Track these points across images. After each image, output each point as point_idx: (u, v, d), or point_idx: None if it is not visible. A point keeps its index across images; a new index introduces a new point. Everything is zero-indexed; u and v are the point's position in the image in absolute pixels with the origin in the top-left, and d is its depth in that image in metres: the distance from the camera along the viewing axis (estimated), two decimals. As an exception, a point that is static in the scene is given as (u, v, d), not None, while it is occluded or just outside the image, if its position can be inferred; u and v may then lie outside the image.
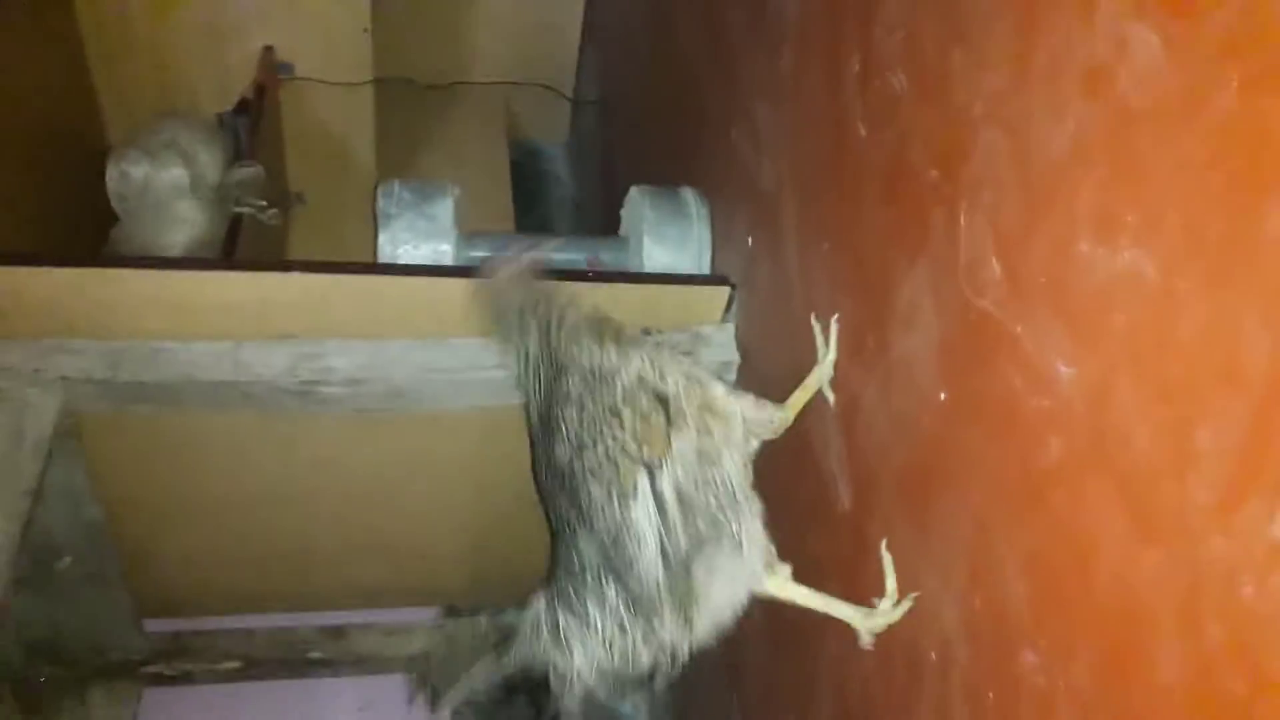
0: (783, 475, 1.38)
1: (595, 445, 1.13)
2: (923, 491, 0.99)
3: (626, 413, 1.13)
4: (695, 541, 1.12)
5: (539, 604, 1.21)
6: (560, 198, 3.29)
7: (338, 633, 2.09)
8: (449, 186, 1.72)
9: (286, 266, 1.44)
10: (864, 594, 1.11)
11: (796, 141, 1.32)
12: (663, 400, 1.15)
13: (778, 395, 1.34)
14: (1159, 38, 0.66)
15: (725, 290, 1.57)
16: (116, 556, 1.76)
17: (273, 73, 2.28)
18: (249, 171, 1.96)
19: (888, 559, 1.05)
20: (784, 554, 1.36)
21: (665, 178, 1.85)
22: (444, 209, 1.70)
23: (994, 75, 0.86)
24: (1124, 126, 0.70)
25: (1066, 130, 0.76)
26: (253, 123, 2.10)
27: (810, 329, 1.24)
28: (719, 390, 1.20)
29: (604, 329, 1.22)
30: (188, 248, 1.94)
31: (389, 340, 1.48)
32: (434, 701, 1.22)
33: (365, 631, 2.09)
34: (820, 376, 1.22)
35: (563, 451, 1.16)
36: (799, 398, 1.24)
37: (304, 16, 2.30)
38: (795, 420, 1.31)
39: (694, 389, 1.18)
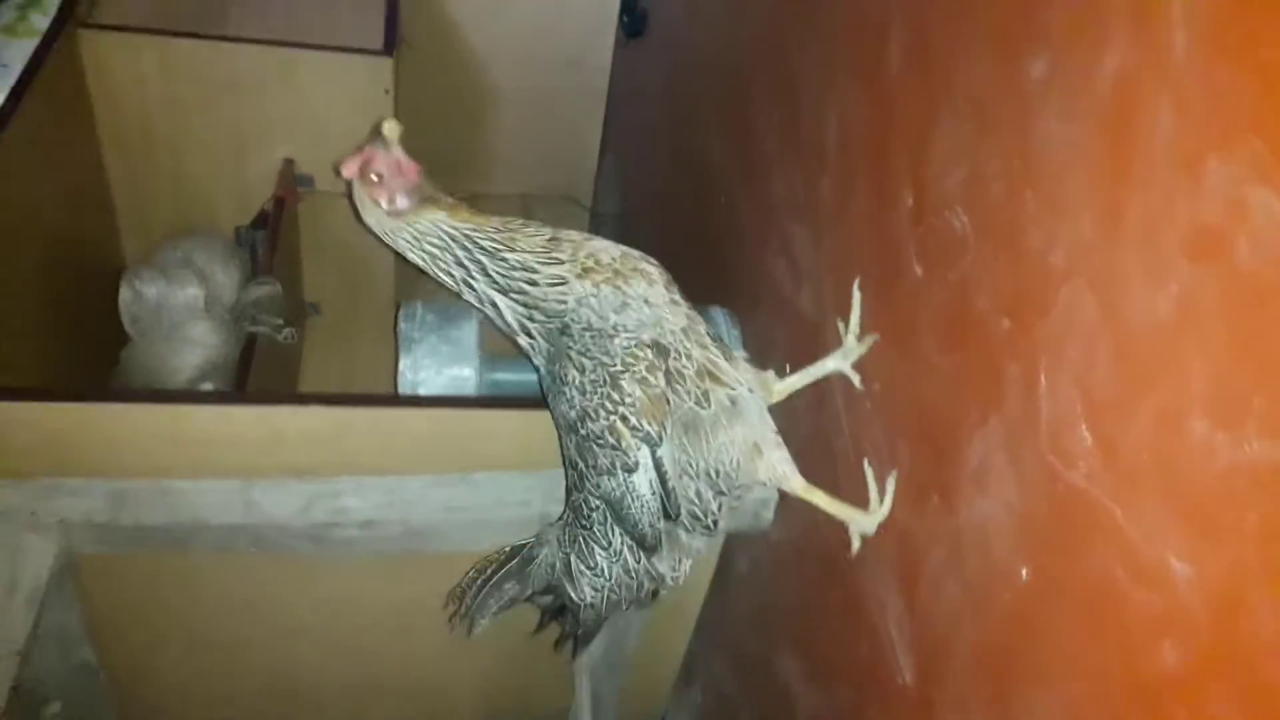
0: (830, 631, 1.27)
1: (597, 416, 1.14)
2: (1005, 676, 0.88)
3: (625, 380, 1.12)
4: (681, 516, 1.20)
5: (553, 542, 1.30)
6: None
7: (344, 774, 1.95)
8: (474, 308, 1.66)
9: (301, 399, 1.37)
10: (933, 780, 1.00)
11: (841, 272, 1.25)
12: (663, 352, 1.15)
13: (819, 544, 1.25)
14: (1288, 205, 0.59)
15: (761, 420, 1.49)
16: (109, 701, 1.65)
17: (293, 186, 2.25)
18: (266, 290, 1.90)
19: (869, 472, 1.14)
20: None
21: (690, 294, 1.78)
22: (468, 332, 1.63)
23: (1076, 225, 0.79)
24: (1246, 299, 0.62)
25: (1169, 294, 0.69)
26: (271, 238, 2.05)
27: (861, 472, 1.16)
28: (724, 360, 1.21)
29: (596, 269, 1.18)
30: (201, 370, 1.88)
31: (408, 477, 1.40)
32: (470, 626, 1.32)
33: (373, 773, 1.95)
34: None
35: (567, 409, 1.18)
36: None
37: (326, 129, 2.27)
38: (844, 570, 1.21)
39: (694, 347, 1.18)
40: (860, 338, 1.18)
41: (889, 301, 1.13)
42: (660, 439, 1.15)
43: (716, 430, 1.19)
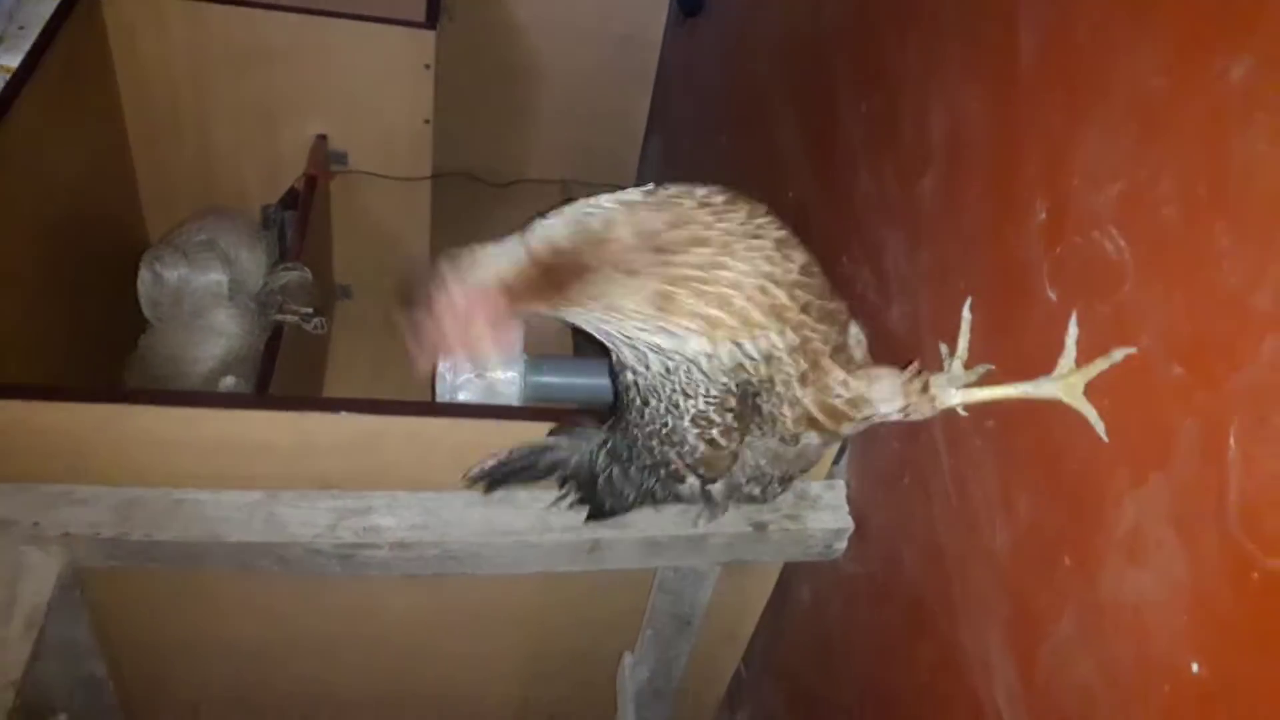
0: (917, 687, 1.14)
1: (652, 449, 1.04)
2: (1157, 784, 0.75)
3: (692, 435, 1.00)
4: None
5: (586, 453, 1.16)
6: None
7: (364, 791, 1.84)
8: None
9: (331, 405, 1.24)
10: None
11: (943, 287, 1.11)
12: (751, 393, 0.97)
13: (906, 585, 1.11)
14: None
15: (833, 440, 1.34)
16: (119, 712, 1.54)
17: (325, 163, 2.12)
18: (294, 276, 1.78)
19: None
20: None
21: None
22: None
23: (1292, 262, 0.65)
24: None
25: None
26: (301, 219, 1.92)
27: (960, 508, 1.02)
28: (843, 401, 1.01)
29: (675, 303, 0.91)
30: (223, 361, 1.76)
31: (445, 493, 1.27)
32: (488, 488, 1.20)
33: (394, 790, 1.84)
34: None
35: (624, 411, 1.06)
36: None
37: (362, 104, 2.14)
38: (937, 620, 1.08)
39: (809, 391, 0.99)
40: (969, 365, 1.04)
41: (1009, 327, 0.98)
42: (714, 480, 1.09)
43: (803, 456, 1.11)
